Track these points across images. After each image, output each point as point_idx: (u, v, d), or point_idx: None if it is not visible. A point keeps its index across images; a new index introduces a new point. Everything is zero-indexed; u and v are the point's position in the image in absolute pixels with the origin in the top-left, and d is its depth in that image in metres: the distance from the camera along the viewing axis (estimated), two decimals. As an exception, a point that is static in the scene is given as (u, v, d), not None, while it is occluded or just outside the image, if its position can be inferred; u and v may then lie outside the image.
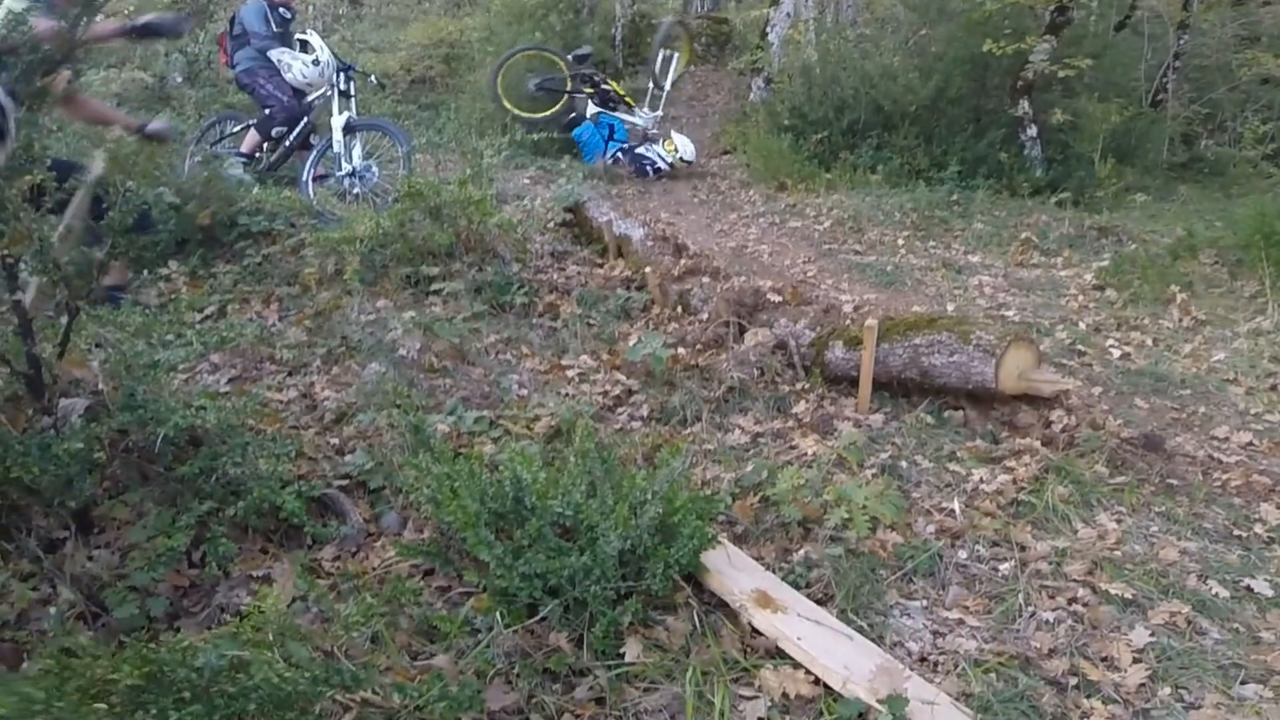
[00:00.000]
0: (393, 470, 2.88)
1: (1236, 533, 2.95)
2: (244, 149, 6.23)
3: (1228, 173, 8.60)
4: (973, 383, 3.43)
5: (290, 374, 3.71)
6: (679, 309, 4.31)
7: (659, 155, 8.55)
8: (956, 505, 2.92)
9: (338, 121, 5.97)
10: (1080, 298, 5.36)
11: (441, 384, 3.61)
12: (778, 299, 4.05)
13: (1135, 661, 2.26)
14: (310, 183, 5.73)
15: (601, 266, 4.87)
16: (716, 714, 1.99)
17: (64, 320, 2.35)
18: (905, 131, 8.15)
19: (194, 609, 2.31)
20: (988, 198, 7.33)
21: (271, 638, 1.92)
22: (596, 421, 3.42)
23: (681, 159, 8.61)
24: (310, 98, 6.24)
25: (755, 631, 2.27)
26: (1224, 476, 3.30)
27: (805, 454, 3.22)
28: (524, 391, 3.57)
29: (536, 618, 2.17)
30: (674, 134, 8.83)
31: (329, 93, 6.09)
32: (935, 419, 3.56)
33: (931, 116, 8.16)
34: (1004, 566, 2.67)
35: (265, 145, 6.28)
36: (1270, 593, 2.60)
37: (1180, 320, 5.06)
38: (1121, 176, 7.62)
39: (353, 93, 6.13)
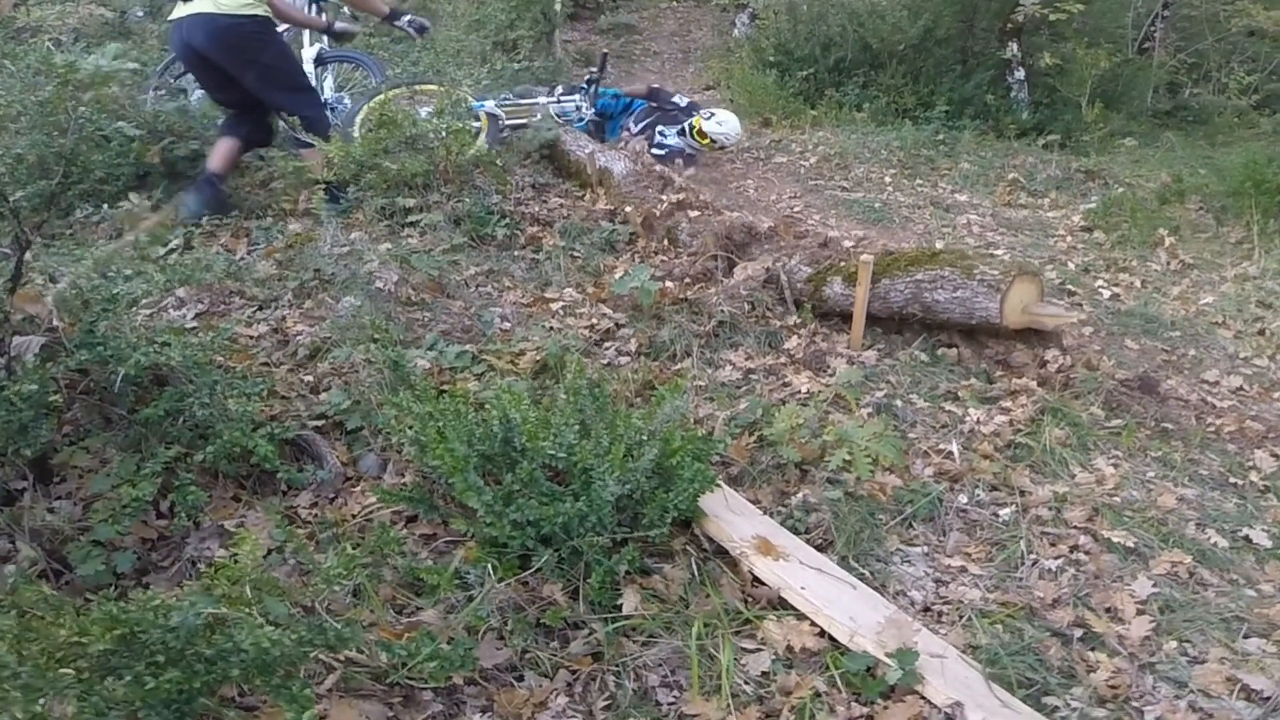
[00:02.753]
0: (371, 409, 2.74)
1: (1232, 480, 2.92)
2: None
3: (1212, 121, 8.65)
4: (977, 318, 3.34)
5: (260, 308, 3.52)
6: (666, 242, 4.16)
7: (686, 143, 6.12)
8: (955, 447, 2.85)
9: (309, 53, 5.70)
10: (1069, 239, 5.30)
11: (420, 317, 3.45)
12: (769, 233, 3.90)
13: (1139, 613, 2.23)
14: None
15: (584, 199, 4.67)
16: (722, 669, 1.91)
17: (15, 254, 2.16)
18: (892, 70, 8.06)
19: (163, 563, 2.17)
20: (974, 138, 7.30)
21: (249, 593, 1.81)
22: (584, 356, 3.29)
23: (715, 144, 6.08)
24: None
25: (756, 580, 2.20)
26: (1217, 422, 3.27)
27: (799, 391, 3.13)
28: (507, 325, 3.42)
29: (530, 569, 2.07)
30: (708, 117, 6.09)
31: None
32: (929, 356, 3.48)
33: (919, 56, 8.07)
34: (1004, 512, 2.62)
35: None
36: (1268, 544, 2.58)
37: (1168, 263, 5.03)
38: (1108, 121, 7.63)
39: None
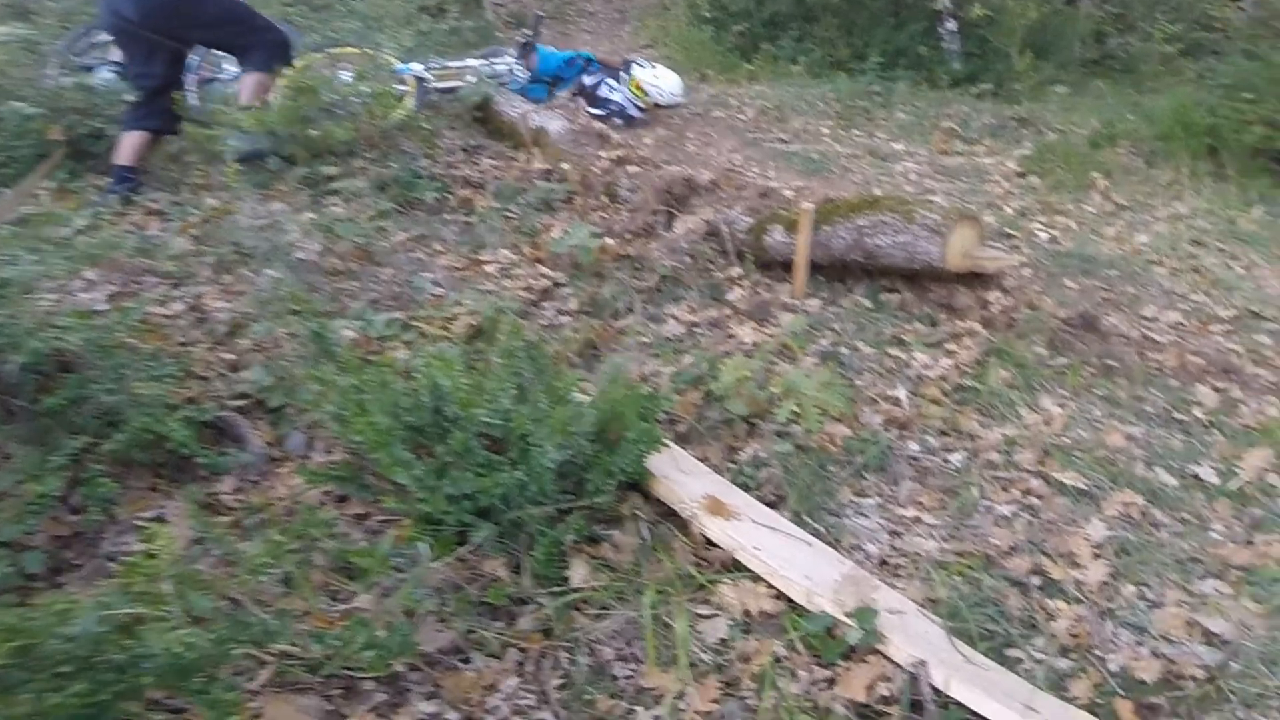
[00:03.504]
0: (295, 386, 2.59)
1: (1177, 416, 2.93)
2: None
3: (1139, 69, 8.77)
4: (919, 262, 3.29)
5: (176, 285, 3.32)
6: (605, 199, 4.02)
7: (626, 100, 5.93)
8: (902, 393, 2.81)
9: None
10: (1005, 184, 5.32)
11: (348, 287, 3.28)
12: (709, 186, 3.79)
13: (1096, 557, 2.21)
14: (193, 88, 5.11)
15: (519, 160, 4.50)
16: (678, 639, 1.84)
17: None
18: (826, 23, 8.07)
19: (77, 561, 2.02)
20: (908, 89, 7.31)
21: (169, 589, 1.68)
22: (522, 318, 3.16)
23: (656, 104, 5.95)
24: None
25: (709, 543, 2.12)
26: (1159, 357, 3.29)
27: (744, 343, 3.06)
28: (440, 290, 3.27)
29: (469, 545, 1.96)
30: (644, 67, 5.98)
31: None
32: (873, 302, 3.43)
33: (852, 9, 8.10)
34: (955, 457, 2.58)
35: None
36: (1216, 480, 2.60)
37: (1102, 206, 5.08)
38: (1039, 70, 7.72)
39: None
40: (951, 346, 3.11)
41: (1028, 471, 2.54)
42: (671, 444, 2.39)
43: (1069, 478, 2.49)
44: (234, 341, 2.91)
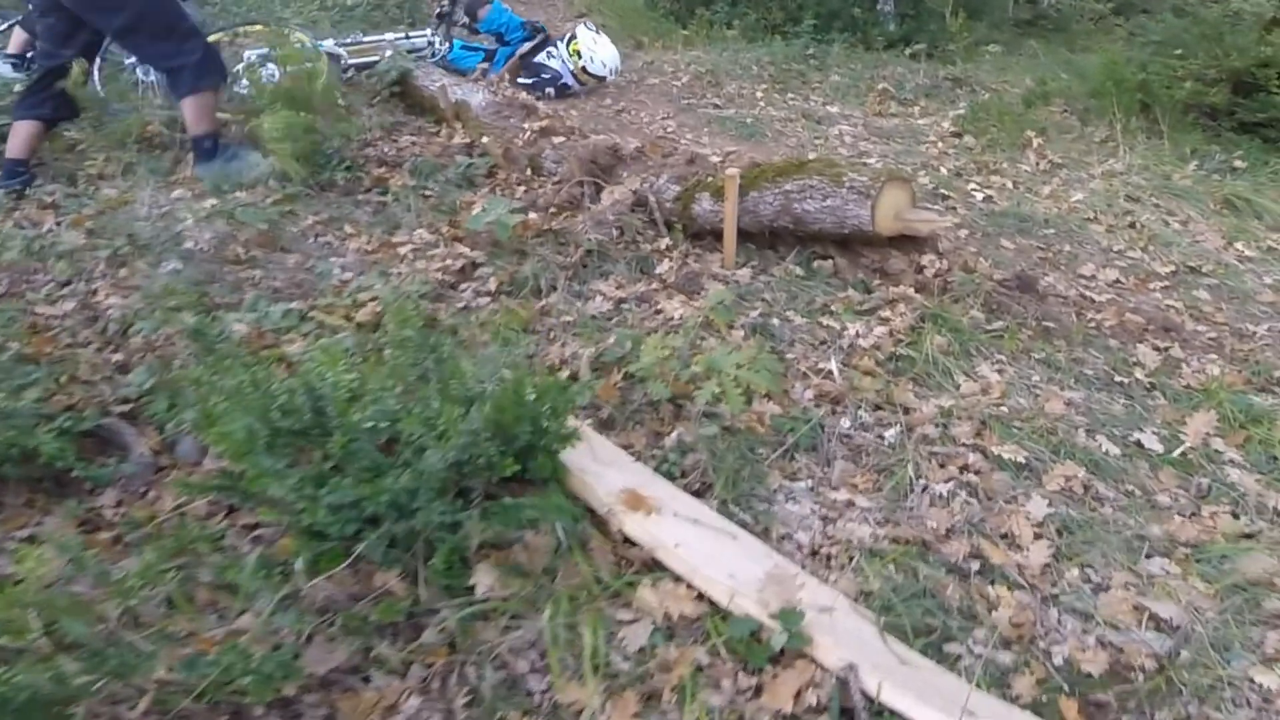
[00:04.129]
0: (183, 387, 2.39)
1: (1118, 379, 2.86)
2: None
3: (1070, 28, 8.87)
4: (849, 226, 3.16)
5: (68, 283, 3.09)
6: (529, 172, 3.84)
7: (563, 68, 5.62)
8: (834, 365, 2.69)
9: None
10: (939, 145, 5.22)
11: (251, 276, 3.07)
12: (636, 154, 3.63)
13: (1037, 537, 2.12)
14: (98, 75, 4.78)
15: (439, 135, 4.28)
16: (590, 650, 1.70)
17: None
18: None
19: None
20: (843, 51, 7.24)
21: (33, 617, 1.52)
22: (436, 301, 2.99)
23: (589, 73, 5.61)
24: None
25: (629, 541, 1.99)
26: (1097, 316, 3.21)
27: (672, 318, 2.91)
28: (348, 275, 3.08)
29: (356, 556, 1.80)
30: (589, 30, 5.68)
31: None
32: (805, 270, 3.30)
33: None
34: (889, 433, 2.47)
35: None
36: (1159, 448, 2.51)
37: (1037, 164, 5.01)
38: (972, 31, 7.69)
39: None
40: (885, 314, 3.00)
41: (965, 446, 2.44)
42: (590, 431, 2.26)
43: (1008, 451, 2.39)
44: (125, 341, 2.72)
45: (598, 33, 5.53)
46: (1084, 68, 6.36)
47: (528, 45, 5.56)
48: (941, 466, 2.37)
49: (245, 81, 4.31)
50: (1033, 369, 2.87)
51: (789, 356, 2.76)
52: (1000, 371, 2.81)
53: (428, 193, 3.71)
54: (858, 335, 2.87)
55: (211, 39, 4.53)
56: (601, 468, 2.13)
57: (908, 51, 7.25)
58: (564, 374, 2.53)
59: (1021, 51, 7.80)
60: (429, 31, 5.46)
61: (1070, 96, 6.04)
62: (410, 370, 1.98)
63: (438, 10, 5.58)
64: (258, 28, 4.65)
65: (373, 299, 2.71)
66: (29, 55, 5.12)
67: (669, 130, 5.02)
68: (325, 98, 3.55)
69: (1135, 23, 8.15)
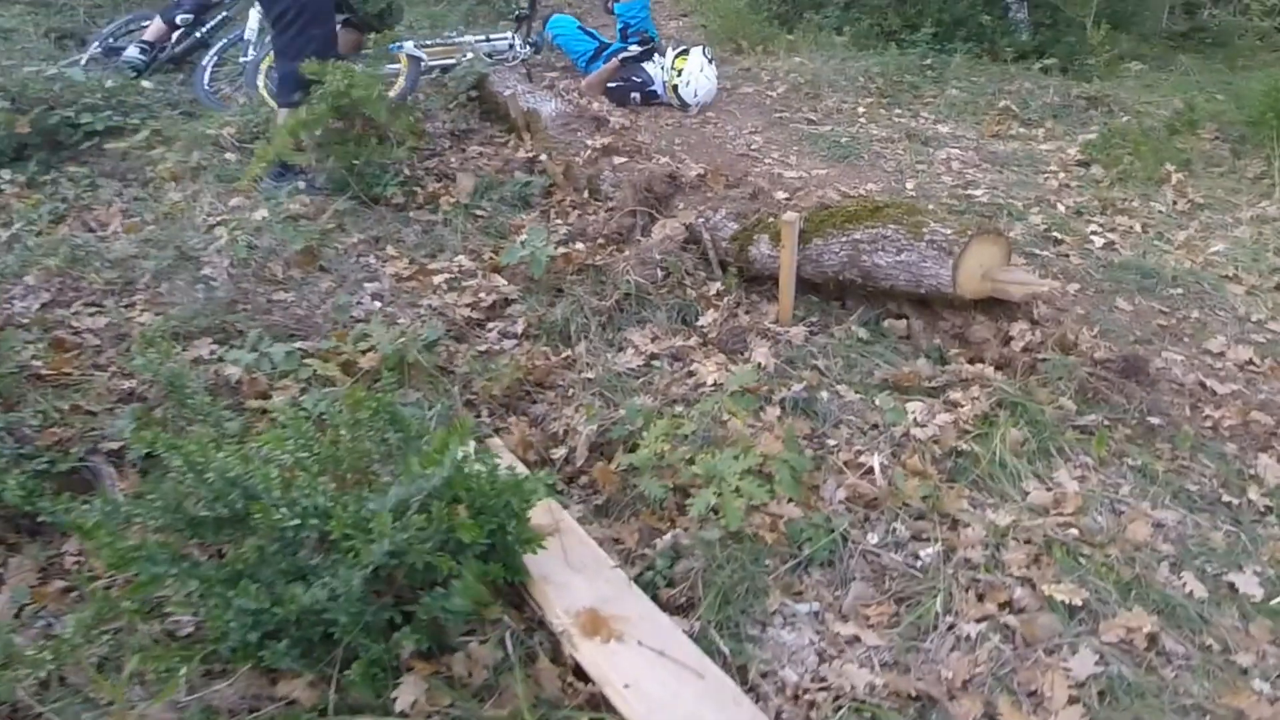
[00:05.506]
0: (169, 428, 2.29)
1: (1225, 498, 2.39)
2: (147, 37, 5.33)
3: (1232, 44, 7.78)
4: (925, 286, 2.80)
5: (111, 295, 3.07)
6: (586, 194, 3.61)
7: (659, 80, 5.27)
8: (877, 462, 2.34)
9: (256, 11, 5.10)
10: (1061, 175, 4.60)
11: (284, 299, 2.98)
12: (696, 183, 3.34)
13: (1071, 702, 1.75)
14: (205, 79, 4.86)
15: (506, 146, 4.10)
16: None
17: None
18: None
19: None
20: (966, 62, 6.52)
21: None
22: (458, 341, 2.81)
23: (679, 94, 5.20)
24: None
25: (579, 670, 1.74)
26: (1216, 413, 2.71)
27: (704, 383, 2.62)
28: (375, 305, 2.93)
29: (259, 661, 1.63)
30: (703, 57, 5.22)
31: None
32: (871, 331, 2.94)
33: None
34: (925, 553, 2.12)
35: (172, 34, 5.40)
36: (1258, 593, 2.06)
37: (1174, 203, 4.33)
38: (1115, 44, 6.78)
39: None
40: (955, 395, 2.61)
41: (1013, 577, 2.06)
42: (574, 524, 2.02)
43: (1064, 590, 1.99)
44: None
45: (710, 63, 5.21)
46: (1243, 90, 5.51)
47: (634, 51, 5.31)
48: (979, 600, 2.01)
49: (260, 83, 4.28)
50: (1123, 478, 2.44)
51: (829, 442, 2.43)
52: (1081, 479, 2.39)
53: (480, 212, 3.54)
54: (918, 422, 2.49)
55: None
56: (569, 575, 1.89)
57: (1039, 65, 6.53)
58: (561, 451, 2.30)
59: (1172, 68, 6.88)
60: (510, 34, 5.28)
61: (1224, 123, 5.24)
62: (359, 458, 1.79)
63: (517, 13, 5.40)
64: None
65: (368, 349, 2.52)
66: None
67: (753, 147, 4.65)
68: (373, 109, 3.38)
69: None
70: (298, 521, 1.62)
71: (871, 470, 2.32)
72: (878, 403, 2.58)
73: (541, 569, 1.87)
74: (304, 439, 1.82)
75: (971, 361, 2.77)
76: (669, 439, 2.13)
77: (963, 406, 2.56)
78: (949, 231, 2.78)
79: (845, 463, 2.35)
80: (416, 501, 1.66)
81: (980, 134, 5.14)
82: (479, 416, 2.46)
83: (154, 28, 5.41)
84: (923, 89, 5.84)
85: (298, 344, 2.59)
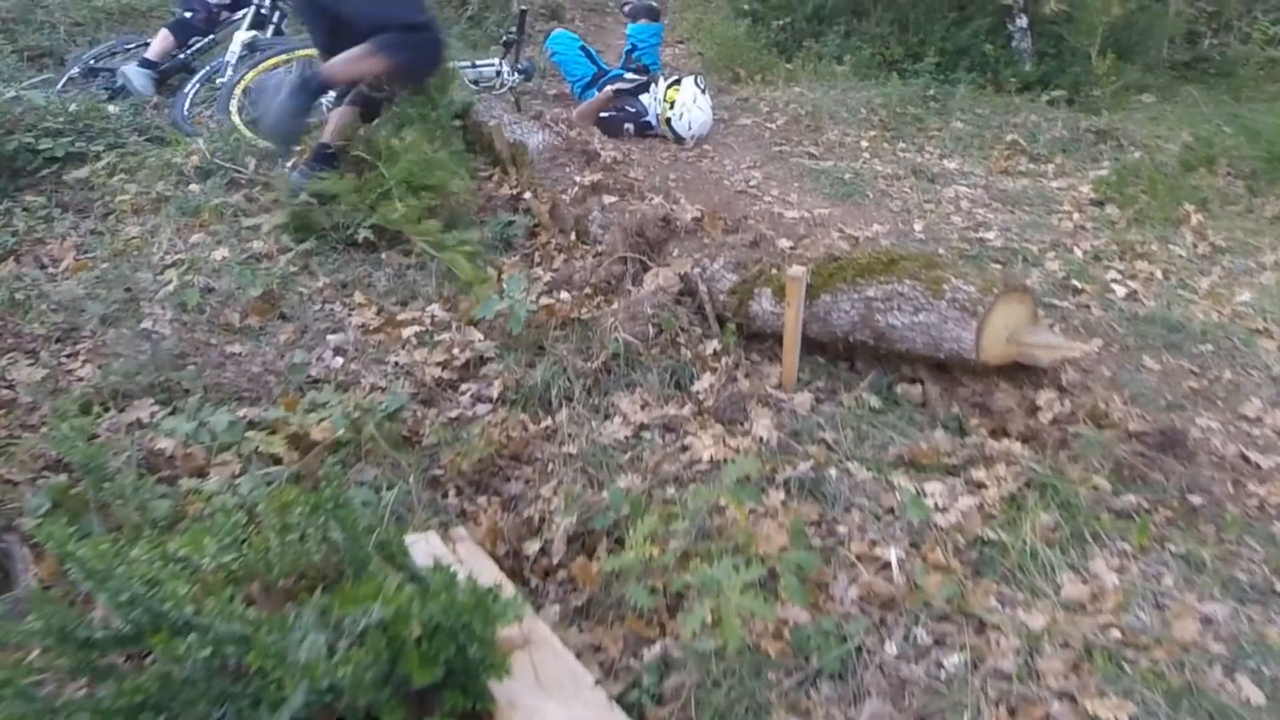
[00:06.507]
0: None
1: (1278, 587, 2.13)
2: (151, 54, 5.11)
3: (1236, 74, 7.63)
4: (945, 351, 2.55)
5: (60, 340, 2.82)
6: (573, 236, 3.36)
7: (652, 110, 5.15)
8: (894, 555, 2.08)
9: (242, 35, 5.03)
10: (1076, 215, 4.38)
11: (238, 353, 2.72)
12: (692, 227, 3.09)
13: None
14: (186, 105, 4.65)
15: (490, 180, 3.86)
16: None
17: None
18: (878, 18, 7.25)
19: None
20: (969, 93, 6.37)
21: None
22: (426, 405, 2.55)
23: (672, 127, 5.08)
24: (236, 15, 5.22)
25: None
26: (1261, 489, 2.46)
27: (699, 459, 2.36)
28: (337, 361, 2.67)
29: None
30: (696, 88, 5.11)
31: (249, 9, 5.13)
32: (883, 399, 2.68)
33: (908, 1, 7.25)
34: (950, 662, 1.85)
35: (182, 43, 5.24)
36: (1323, 699, 1.80)
37: (1195, 246, 4.12)
38: (1121, 74, 6.67)
39: (275, 21, 5.17)
40: (979, 474, 2.35)
41: (1051, 688, 1.80)
42: (549, 633, 1.75)
43: (1109, 706, 1.74)
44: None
45: (704, 93, 5.03)
46: (1252, 123, 5.32)
47: (629, 82, 5.11)
48: (1012, 717, 1.74)
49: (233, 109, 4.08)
50: (1165, 566, 2.18)
51: (839, 529, 2.17)
52: (1120, 570, 2.13)
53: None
54: (938, 506, 2.23)
55: (270, 62, 4.31)
56: (541, 699, 1.61)
57: (1045, 97, 6.39)
58: (536, 544, 2.03)
59: (1178, 98, 6.74)
60: (497, 60, 5.08)
61: (1236, 158, 5.03)
62: (292, 562, 1.53)
63: (505, 38, 5.21)
64: (307, 53, 4.37)
65: (322, 420, 2.25)
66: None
67: (752, 184, 4.42)
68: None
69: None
70: (210, 650, 1.35)
71: (888, 565, 2.06)
72: (893, 482, 2.32)
73: (508, 693, 1.60)
74: (230, 537, 1.56)
75: (994, 433, 2.52)
76: (659, 538, 1.86)
77: (988, 488, 2.30)
78: (972, 289, 2.53)
79: (858, 555, 2.09)
80: (356, 632, 1.39)
81: (988, 170, 4.92)
82: (444, 497, 2.20)
83: (161, 41, 5.22)
84: (927, 121, 5.63)
85: (244, 410, 2.31)
